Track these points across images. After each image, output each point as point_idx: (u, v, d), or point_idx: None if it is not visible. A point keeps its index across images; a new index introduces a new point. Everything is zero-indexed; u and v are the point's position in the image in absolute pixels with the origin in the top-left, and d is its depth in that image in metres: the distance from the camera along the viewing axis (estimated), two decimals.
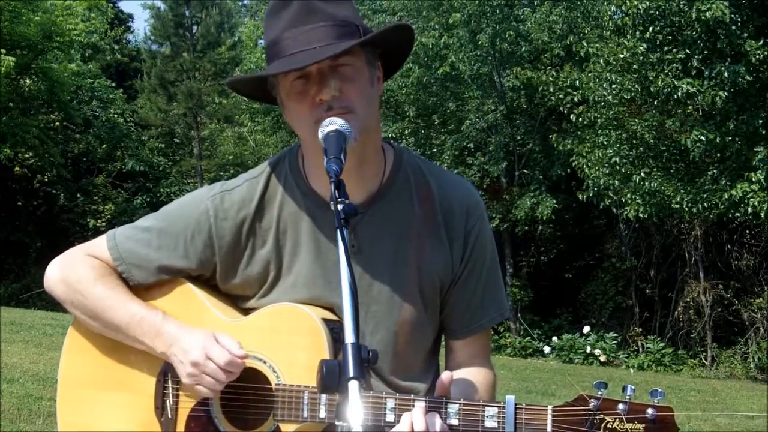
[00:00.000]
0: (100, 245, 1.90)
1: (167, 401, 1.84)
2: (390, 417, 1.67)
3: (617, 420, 1.59)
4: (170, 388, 1.85)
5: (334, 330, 1.74)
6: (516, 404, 1.63)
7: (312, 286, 1.81)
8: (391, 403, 1.67)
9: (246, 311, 1.88)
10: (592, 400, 1.61)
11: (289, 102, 1.73)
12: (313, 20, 1.68)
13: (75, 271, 1.86)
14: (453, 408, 1.66)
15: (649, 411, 1.59)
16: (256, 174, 1.88)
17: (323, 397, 1.69)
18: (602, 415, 1.60)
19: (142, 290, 1.89)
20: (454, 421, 1.65)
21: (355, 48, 1.68)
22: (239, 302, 1.90)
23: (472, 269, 1.86)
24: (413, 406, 1.65)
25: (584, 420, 1.60)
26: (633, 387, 1.61)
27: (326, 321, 1.75)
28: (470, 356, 1.91)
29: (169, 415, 1.82)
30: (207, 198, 1.85)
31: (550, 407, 1.63)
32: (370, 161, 1.82)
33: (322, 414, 1.70)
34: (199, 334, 1.77)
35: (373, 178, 1.83)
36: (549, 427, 1.61)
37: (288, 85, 1.71)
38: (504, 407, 1.63)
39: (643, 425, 1.58)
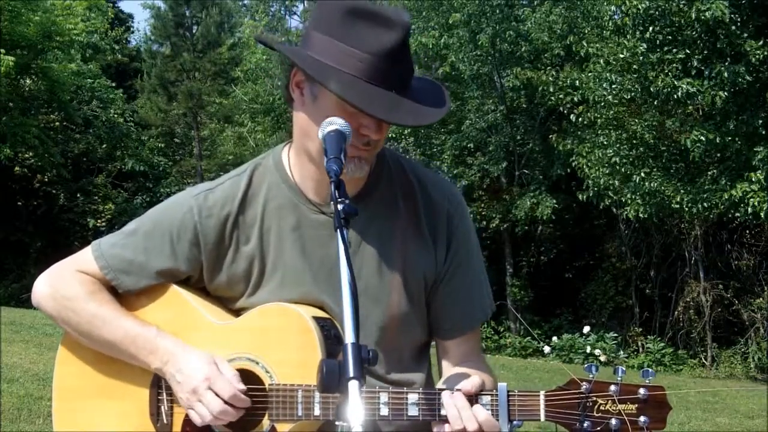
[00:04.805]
0: (86, 257, 1.88)
1: (162, 407, 1.84)
2: (384, 411, 1.67)
3: (610, 401, 1.60)
4: (164, 394, 1.84)
5: (325, 327, 1.74)
6: (508, 391, 1.63)
7: (300, 284, 1.81)
8: (384, 397, 1.67)
9: (236, 312, 1.87)
10: (584, 383, 1.61)
11: (333, 112, 1.65)
12: (402, 67, 1.66)
13: (65, 288, 1.85)
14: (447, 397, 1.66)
15: (641, 391, 1.59)
16: (239, 172, 1.88)
17: (317, 394, 1.69)
18: (595, 398, 1.60)
19: (132, 298, 1.88)
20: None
21: None
22: (229, 303, 1.89)
23: (458, 267, 1.87)
24: (406, 398, 1.66)
25: (577, 403, 1.61)
26: (624, 369, 1.61)
27: (317, 319, 1.75)
28: (464, 354, 1.91)
29: (165, 421, 1.82)
30: (191, 197, 1.85)
31: (542, 392, 1.63)
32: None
33: (317, 412, 1.70)
34: (201, 358, 1.76)
35: (359, 178, 1.83)
36: (542, 412, 1.62)
37: (338, 101, 1.64)
38: (497, 395, 1.64)
39: (636, 405, 1.59)
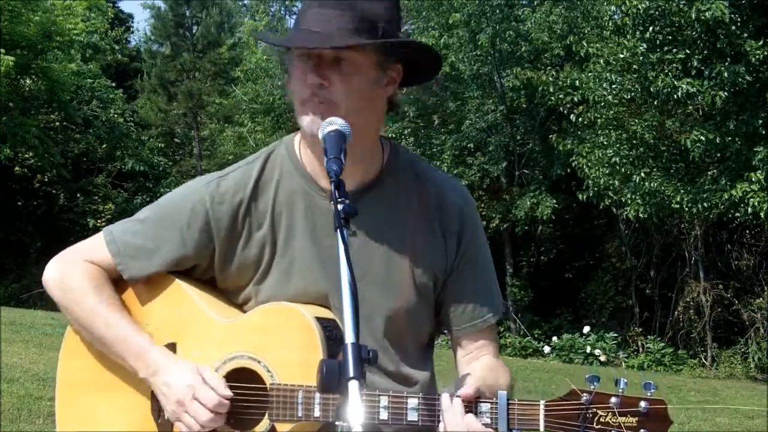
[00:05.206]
0: (97, 243, 1.90)
1: None
2: (383, 415, 1.67)
3: (610, 414, 1.59)
4: None
5: (328, 328, 1.74)
6: (508, 400, 1.63)
7: (307, 271, 1.82)
8: (384, 401, 1.67)
9: (241, 307, 1.88)
10: (585, 394, 1.61)
11: (291, 74, 1.77)
12: (341, 6, 1.69)
13: (71, 278, 1.87)
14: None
15: (642, 404, 1.58)
16: (251, 159, 1.90)
17: (317, 395, 1.69)
18: (595, 409, 1.60)
19: (137, 289, 1.89)
20: None
21: (367, 47, 1.70)
22: (234, 296, 1.90)
23: (467, 264, 1.88)
24: (406, 403, 1.66)
25: (577, 414, 1.60)
26: (626, 380, 1.60)
27: (319, 319, 1.75)
28: (478, 349, 1.91)
29: (166, 416, 1.82)
30: (202, 185, 1.87)
31: (542, 402, 1.63)
32: (365, 157, 1.83)
33: (317, 413, 1.70)
34: (185, 369, 1.77)
35: (369, 170, 1.84)
36: (542, 422, 1.62)
37: (295, 59, 1.74)
38: (496, 403, 1.63)
39: (636, 418, 1.58)
